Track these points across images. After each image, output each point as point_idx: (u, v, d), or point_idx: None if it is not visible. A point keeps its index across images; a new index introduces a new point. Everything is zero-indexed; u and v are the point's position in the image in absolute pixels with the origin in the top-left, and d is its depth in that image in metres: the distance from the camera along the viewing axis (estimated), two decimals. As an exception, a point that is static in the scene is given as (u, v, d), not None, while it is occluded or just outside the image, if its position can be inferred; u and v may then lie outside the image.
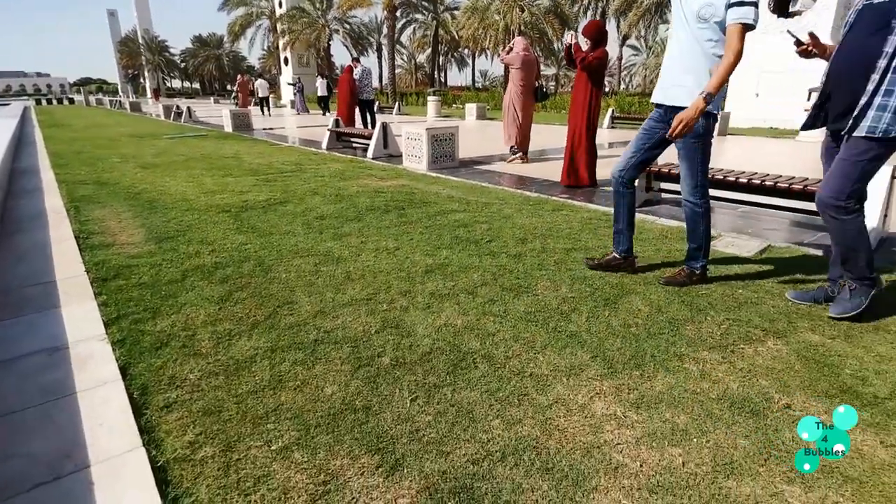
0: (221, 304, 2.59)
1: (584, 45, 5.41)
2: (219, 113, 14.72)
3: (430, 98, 20.74)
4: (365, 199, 5.03)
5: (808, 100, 8.07)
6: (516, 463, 1.50)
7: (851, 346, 2.15)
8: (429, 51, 47.36)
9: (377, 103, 23.58)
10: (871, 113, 2.15)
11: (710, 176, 4.18)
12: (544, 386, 1.89)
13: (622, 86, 57.82)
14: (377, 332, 2.29)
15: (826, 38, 12.97)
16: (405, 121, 18.25)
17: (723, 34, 2.46)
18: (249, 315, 2.47)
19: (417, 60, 57.91)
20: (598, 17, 28.35)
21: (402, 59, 57.99)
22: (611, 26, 30.78)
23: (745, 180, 4.01)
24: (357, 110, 11.66)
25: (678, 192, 4.78)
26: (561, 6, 26.97)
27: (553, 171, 6.48)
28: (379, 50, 44.72)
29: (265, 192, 5.34)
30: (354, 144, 9.51)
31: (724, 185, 4.16)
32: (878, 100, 2.13)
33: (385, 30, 33.37)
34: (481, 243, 3.58)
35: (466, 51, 43.03)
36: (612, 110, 15.17)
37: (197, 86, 75.11)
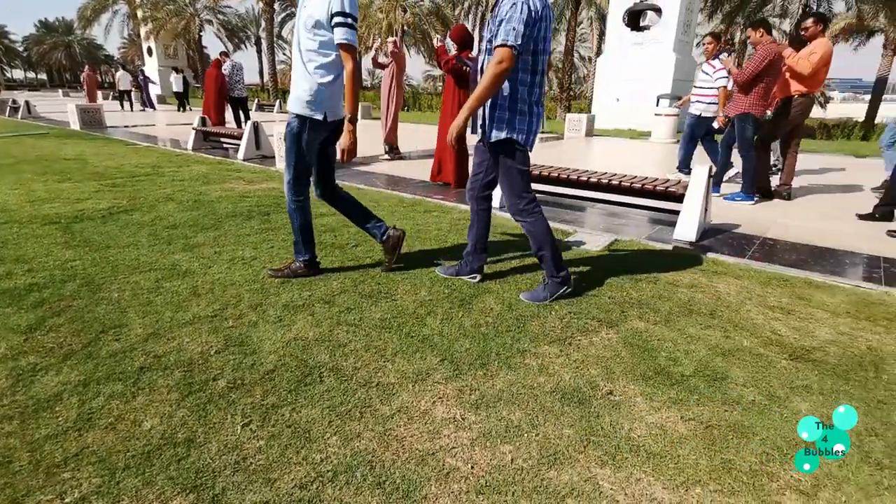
0: (29, 334, 2.24)
1: (453, 48, 5.53)
2: (66, 108, 12.95)
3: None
4: (227, 204, 4.70)
5: (657, 105, 8.95)
6: (347, 481, 1.45)
7: (669, 330, 2.40)
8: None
9: (256, 100, 22.34)
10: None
11: (571, 176, 4.50)
12: (389, 395, 1.87)
13: (505, 88, 60.19)
14: (217, 353, 2.12)
15: (669, 48, 14.61)
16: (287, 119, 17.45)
17: (329, 49, 2.47)
18: (63, 344, 2.16)
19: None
20: (477, 21, 29.36)
21: (285, 55, 55.54)
22: (491, 30, 31.98)
23: (595, 180, 4.35)
24: (230, 108, 10.93)
25: (549, 194, 5.11)
26: (442, 8, 27.52)
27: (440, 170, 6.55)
28: (258, 44, 42.37)
29: (108, 200, 4.76)
30: (225, 145, 8.87)
31: (581, 184, 4.47)
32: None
33: (263, 23, 31.61)
34: (347, 248, 3.50)
35: (352, 48, 42.22)
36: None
37: (44, 76, 65.66)
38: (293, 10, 40.24)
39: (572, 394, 1.89)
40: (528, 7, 2.23)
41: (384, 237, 2.99)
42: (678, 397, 1.88)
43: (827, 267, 3.42)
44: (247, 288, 2.80)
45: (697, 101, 6.36)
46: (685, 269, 3.27)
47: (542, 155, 9.30)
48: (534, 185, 4.99)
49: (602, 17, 19.84)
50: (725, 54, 5.93)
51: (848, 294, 2.95)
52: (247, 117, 10.62)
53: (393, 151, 7.92)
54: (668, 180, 4.28)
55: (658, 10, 15.01)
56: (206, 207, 4.59)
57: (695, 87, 6.42)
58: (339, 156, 2.65)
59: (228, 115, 11.07)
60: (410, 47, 30.59)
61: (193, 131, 8.87)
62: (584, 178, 4.39)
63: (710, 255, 3.59)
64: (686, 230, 3.91)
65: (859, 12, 20.09)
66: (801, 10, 18.02)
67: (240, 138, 7.88)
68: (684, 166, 6.68)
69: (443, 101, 5.65)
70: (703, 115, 6.32)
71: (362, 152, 8.61)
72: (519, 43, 2.24)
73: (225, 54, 10.63)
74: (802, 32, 5.14)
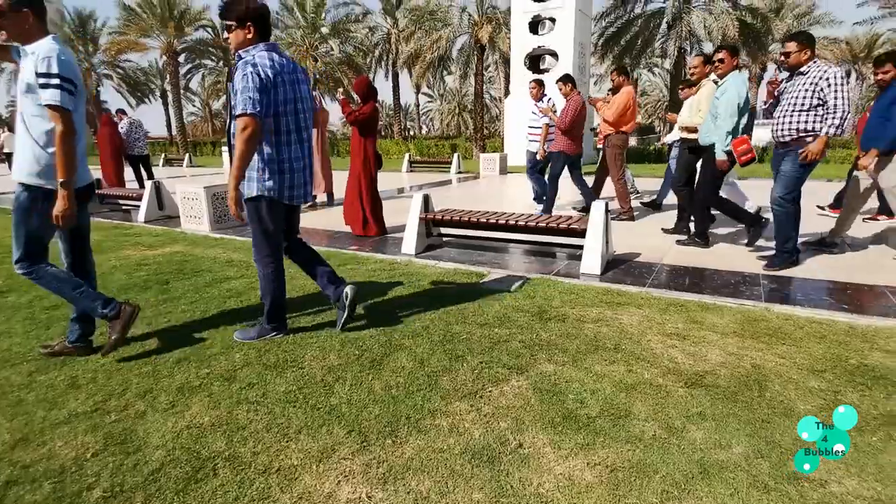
0: None
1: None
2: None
3: (224, 148, 19.43)
4: (121, 275, 4.35)
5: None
6: None
7: (576, 370, 2.46)
8: (224, 98, 44.82)
9: (163, 155, 21.29)
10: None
11: (481, 219, 4.61)
12: (291, 480, 1.74)
13: (424, 129, 62.00)
14: (95, 455, 1.90)
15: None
16: (197, 173, 16.78)
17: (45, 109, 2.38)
18: None
19: (213, 107, 54.41)
20: (389, 68, 30.19)
21: (196, 106, 53.87)
22: (404, 76, 33.01)
23: (503, 221, 4.48)
24: (130, 167, 10.32)
25: (461, 237, 5.19)
26: (353, 57, 28.04)
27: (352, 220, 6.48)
28: (164, 97, 40.84)
29: (-22, 282, 4.26)
30: (124, 207, 8.31)
31: (490, 226, 4.59)
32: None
33: (168, 76, 30.60)
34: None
35: (265, 98, 41.70)
36: (409, 154, 16.06)
37: None
38: (200, 61, 39.41)
39: (482, 452, 1.86)
40: (259, 76, 2.45)
41: (111, 311, 2.69)
42: (585, 441, 1.91)
43: (716, 288, 3.70)
44: (136, 372, 2.56)
45: (531, 140, 7.05)
46: (592, 303, 3.41)
47: (462, 195, 9.53)
48: (444, 230, 5.11)
49: (506, 61, 21.05)
50: (547, 97, 6.85)
51: (734, 313, 3.19)
52: (150, 176, 10.07)
53: (328, 199, 8.22)
54: (570, 217, 4.51)
55: (555, 55, 16.21)
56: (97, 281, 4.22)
57: (528, 126, 7.15)
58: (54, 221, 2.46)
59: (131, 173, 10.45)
60: (325, 94, 30.77)
61: (87, 195, 8.25)
62: (493, 221, 4.52)
63: (615, 286, 3.78)
64: (591, 264, 4.10)
65: (725, 51, 22.74)
66: (676, 52, 20.21)
67: (140, 199, 7.42)
68: (539, 199, 7.10)
69: (351, 150, 5.67)
70: (532, 150, 7.10)
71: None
72: (258, 109, 2.45)
73: (122, 112, 10.12)
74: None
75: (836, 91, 3.62)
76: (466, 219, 4.68)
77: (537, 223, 4.33)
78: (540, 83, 6.99)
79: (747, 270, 4.10)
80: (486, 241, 5.11)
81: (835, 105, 3.64)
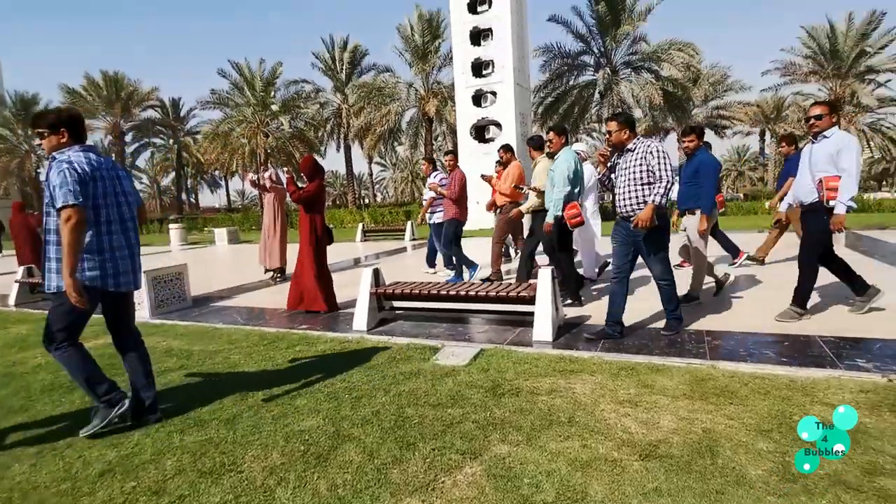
0: None
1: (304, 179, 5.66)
2: None
3: (171, 226, 18.97)
4: (46, 374, 4.01)
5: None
6: None
7: (531, 449, 2.40)
8: (173, 174, 44.37)
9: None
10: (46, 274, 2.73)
11: (432, 291, 4.59)
12: None
13: (378, 197, 62.93)
14: None
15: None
16: (144, 252, 16.13)
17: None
18: None
19: (162, 184, 53.62)
20: (341, 141, 30.92)
21: (144, 183, 52.91)
22: (356, 147, 33.84)
23: (453, 292, 4.49)
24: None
25: (414, 309, 5.14)
26: (304, 132, 28.64)
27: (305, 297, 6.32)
28: (109, 176, 39.92)
29: None
30: (57, 295, 7.83)
31: (440, 297, 4.58)
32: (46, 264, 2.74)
33: (114, 155, 30.12)
34: (188, 412, 3.10)
35: (218, 172, 41.64)
36: (363, 225, 16.15)
37: None
38: (147, 139, 39.21)
39: (435, 556, 1.74)
40: (76, 170, 2.63)
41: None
42: (541, 533, 1.82)
43: (663, 348, 3.77)
44: (54, 490, 2.30)
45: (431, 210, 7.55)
46: (545, 372, 3.39)
47: (417, 263, 9.54)
48: (396, 303, 5.06)
49: (454, 131, 22.01)
50: (437, 172, 7.49)
51: (683, 374, 3.24)
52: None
53: (281, 274, 8.11)
54: (520, 284, 4.57)
55: (498, 125, 17.11)
56: (18, 381, 3.89)
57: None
58: None
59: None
60: (276, 167, 31.01)
61: (16, 284, 7.76)
62: (444, 292, 4.52)
63: (567, 352, 3.79)
64: (542, 331, 4.12)
65: (653, 117, 24.82)
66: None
67: (74, 287, 7.02)
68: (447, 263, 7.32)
69: (299, 228, 5.64)
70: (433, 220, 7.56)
71: (230, 281, 8.12)
72: (79, 199, 2.58)
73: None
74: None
75: (659, 162, 3.86)
76: (417, 291, 4.66)
77: (487, 293, 4.36)
78: (431, 160, 7.76)
79: (691, 328, 4.23)
80: (440, 312, 5.08)
81: (660, 175, 3.87)
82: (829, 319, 4.23)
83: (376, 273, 4.91)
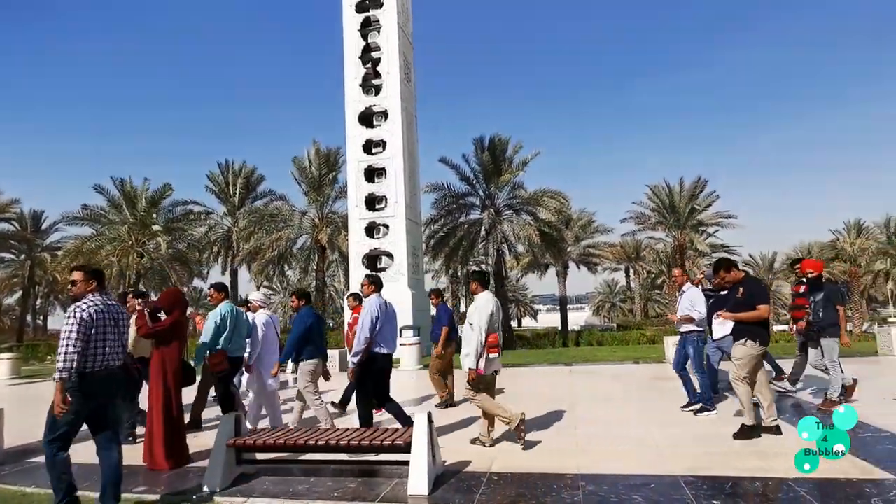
0: None
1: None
2: None
3: (1, 355, 16.00)
4: None
5: (400, 335, 9.33)
6: None
7: None
8: (19, 293, 38.77)
9: None
10: None
11: (288, 441, 4.14)
12: None
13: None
14: None
15: (404, 285, 16.66)
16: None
17: None
18: None
19: (3, 303, 46.31)
20: (227, 264, 29.57)
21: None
22: (242, 271, 32.48)
23: (313, 441, 4.09)
24: None
25: (282, 461, 4.58)
26: (186, 253, 27.10)
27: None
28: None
29: None
30: None
31: (301, 447, 4.14)
32: None
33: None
34: None
35: (76, 293, 37.05)
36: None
37: None
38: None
39: None
40: None
41: None
42: None
43: (539, 497, 3.65)
44: None
45: None
46: (416, 537, 3.06)
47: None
48: (259, 454, 4.49)
49: (345, 258, 22.15)
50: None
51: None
52: None
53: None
54: (396, 430, 4.31)
55: (390, 255, 17.57)
56: None
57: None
58: None
59: None
60: (150, 292, 28.46)
61: None
62: (313, 441, 4.10)
63: (442, 509, 3.51)
64: (418, 483, 3.82)
65: (534, 254, 27.25)
66: (495, 253, 23.56)
67: None
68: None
69: (150, 369, 4.98)
70: None
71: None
72: None
73: None
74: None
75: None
76: (283, 442, 4.18)
77: (360, 441, 4.03)
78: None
79: (569, 472, 4.18)
80: (310, 463, 4.57)
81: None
82: (689, 456, 4.43)
83: (237, 420, 4.38)
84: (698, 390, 6.02)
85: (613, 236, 36.19)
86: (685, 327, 6.04)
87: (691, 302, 6.00)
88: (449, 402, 7.24)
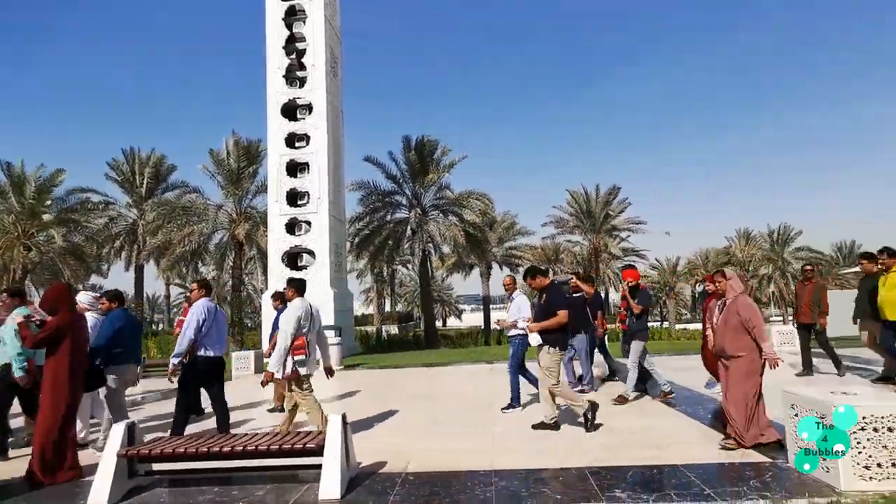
0: None
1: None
2: None
3: None
4: None
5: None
6: None
7: None
8: None
9: None
10: None
11: (200, 449, 3.88)
12: None
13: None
14: None
15: (326, 284, 16.25)
16: None
17: None
18: None
19: None
20: (132, 259, 27.34)
21: None
22: (149, 267, 30.15)
23: (217, 448, 3.87)
24: None
25: (181, 472, 4.26)
26: (81, 247, 24.67)
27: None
28: None
29: None
30: None
31: (203, 456, 3.89)
32: None
33: None
34: None
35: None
36: (144, 358, 13.76)
37: None
38: None
39: None
40: None
41: None
42: None
43: (453, 496, 3.68)
44: None
45: None
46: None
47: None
48: (156, 465, 4.17)
49: (265, 255, 21.20)
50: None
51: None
52: None
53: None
54: (308, 433, 4.17)
55: (312, 253, 17.04)
56: None
57: None
58: None
59: None
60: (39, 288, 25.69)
61: None
62: (216, 449, 3.87)
63: (354, 512, 3.43)
64: (330, 487, 3.72)
65: (458, 254, 27.61)
66: (421, 253, 23.58)
67: None
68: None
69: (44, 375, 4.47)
70: None
71: None
72: None
73: None
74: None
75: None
76: (182, 450, 3.90)
77: (269, 446, 3.85)
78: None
79: (483, 468, 4.24)
80: (215, 472, 4.29)
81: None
82: (595, 450, 4.66)
83: (130, 428, 4.03)
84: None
85: (535, 238, 37.51)
86: (513, 332, 6.40)
87: (518, 308, 6.38)
88: (280, 409, 6.97)
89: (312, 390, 5.19)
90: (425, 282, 25.26)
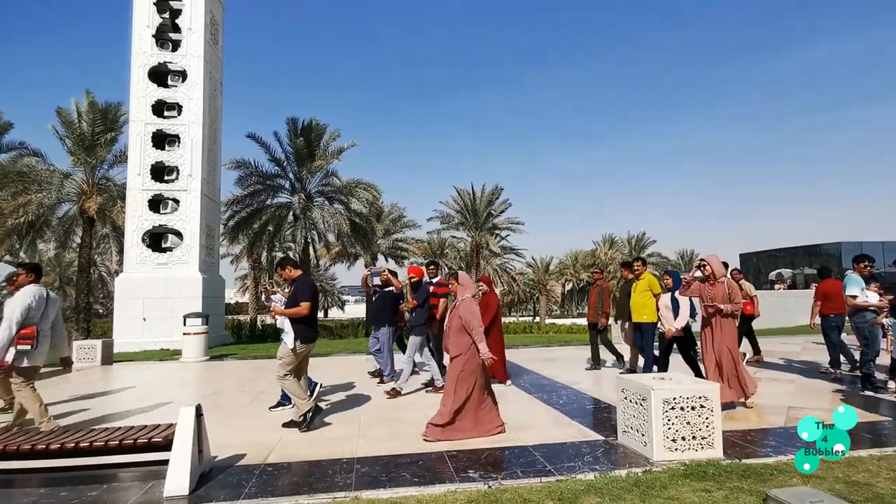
0: None
1: None
2: None
3: None
4: None
5: (185, 324, 8.49)
6: None
7: None
8: None
9: None
10: None
11: (23, 447, 3.43)
12: None
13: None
14: None
15: (195, 268, 15.01)
16: None
17: None
18: None
19: None
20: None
21: None
22: (-30, 240, 25.34)
23: (43, 445, 3.47)
24: None
25: (5, 471, 3.70)
26: None
27: None
28: None
29: None
30: None
31: (40, 454, 3.46)
32: None
33: None
34: None
35: None
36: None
37: None
38: None
39: None
40: None
41: None
42: None
43: (312, 483, 3.67)
44: None
45: None
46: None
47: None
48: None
49: (121, 234, 18.97)
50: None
51: (325, 512, 3.15)
52: None
53: None
54: (155, 427, 3.87)
55: (179, 234, 15.62)
56: None
57: None
58: None
59: None
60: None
61: None
62: (42, 446, 3.44)
63: (204, 506, 3.28)
64: (178, 482, 3.49)
65: (343, 243, 27.09)
66: (303, 240, 22.74)
67: None
68: None
69: None
70: None
71: None
72: None
73: None
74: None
75: None
76: (2, 448, 3.42)
77: (108, 441, 3.52)
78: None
79: (346, 456, 4.28)
80: (42, 472, 3.81)
81: None
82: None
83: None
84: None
85: (421, 232, 38.06)
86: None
87: None
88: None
89: (32, 383, 4.87)
90: (307, 270, 24.41)
